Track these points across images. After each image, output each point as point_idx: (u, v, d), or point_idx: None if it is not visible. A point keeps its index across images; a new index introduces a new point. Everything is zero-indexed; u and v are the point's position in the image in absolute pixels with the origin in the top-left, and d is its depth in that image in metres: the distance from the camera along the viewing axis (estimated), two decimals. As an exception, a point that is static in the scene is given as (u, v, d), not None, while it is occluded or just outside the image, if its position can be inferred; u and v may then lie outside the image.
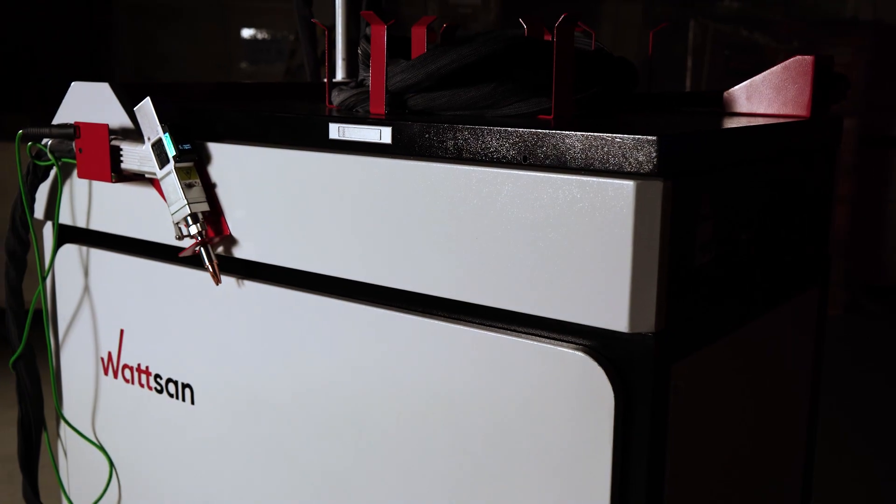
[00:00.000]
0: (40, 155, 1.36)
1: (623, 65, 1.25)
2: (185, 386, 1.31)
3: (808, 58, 1.21)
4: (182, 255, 1.21)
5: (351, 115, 1.13)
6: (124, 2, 5.63)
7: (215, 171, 1.21)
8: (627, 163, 0.90)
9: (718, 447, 1.12)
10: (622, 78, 1.24)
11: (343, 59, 1.75)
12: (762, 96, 1.24)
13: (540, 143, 0.95)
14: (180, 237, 1.21)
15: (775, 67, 1.23)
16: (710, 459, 1.10)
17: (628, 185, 0.88)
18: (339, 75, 1.78)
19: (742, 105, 1.27)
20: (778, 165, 1.16)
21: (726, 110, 1.29)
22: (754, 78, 1.25)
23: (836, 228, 4.66)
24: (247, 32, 5.81)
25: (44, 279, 1.44)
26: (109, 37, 5.61)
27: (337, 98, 1.26)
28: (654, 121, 1.14)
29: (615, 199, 0.89)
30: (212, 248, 1.20)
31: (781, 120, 1.20)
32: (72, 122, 1.30)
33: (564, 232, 0.93)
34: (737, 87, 1.28)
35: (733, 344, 1.10)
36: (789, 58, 1.23)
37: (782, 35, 4.69)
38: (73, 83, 1.36)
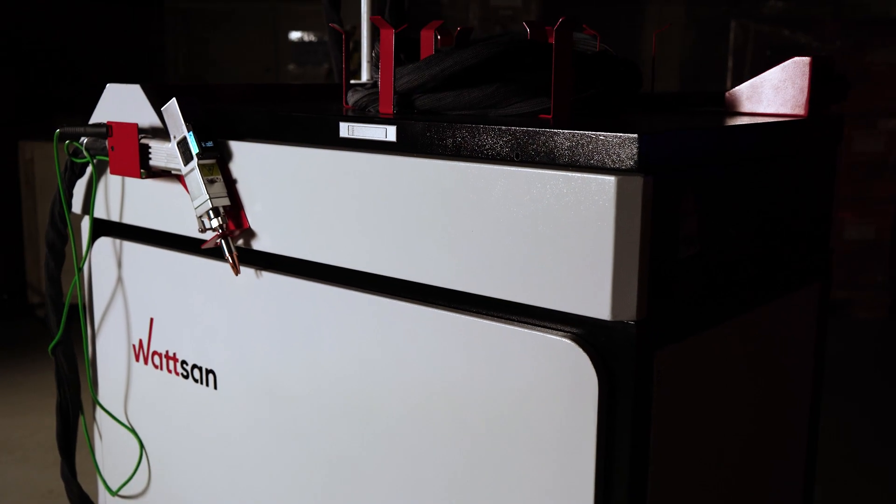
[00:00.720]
0: (77, 153, 1.44)
1: (627, 66, 1.28)
2: (208, 371, 1.38)
3: (806, 58, 1.24)
4: (204, 247, 1.28)
5: (361, 115, 1.19)
6: (177, 7, 5.79)
7: (236, 168, 1.28)
8: (610, 159, 0.94)
9: (709, 437, 1.15)
10: (625, 78, 1.28)
11: (368, 62, 1.81)
12: (762, 96, 1.28)
13: (531, 140, 1.00)
14: (203, 230, 1.28)
15: (774, 68, 1.26)
16: (699, 449, 1.13)
17: (610, 181, 0.93)
18: (365, 76, 1.84)
19: (743, 105, 1.30)
20: (772, 163, 1.19)
21: (729, 110, 1.32)
22: (755, 78, 1.29)
23: (879, 230, 4.60)
24: (294, 35, 5.92)
25: (80, 270, 1.53)
26: (163, 41, 5.77)
27: (351, 98, 1.32)
28: (649, 120, 1.17)
29: (598, 193, 0.94)
30: (232, 240, 1.27)
31: (779, 119, 1.23)
32: (106, 121, 1.38)
33: (552, 225, 0.97)
34: (739, 87, 1.31)
35: (723, 336, 1.14)
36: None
37: (825, 35, 4.65)
38: (107, 85, 1.44)
